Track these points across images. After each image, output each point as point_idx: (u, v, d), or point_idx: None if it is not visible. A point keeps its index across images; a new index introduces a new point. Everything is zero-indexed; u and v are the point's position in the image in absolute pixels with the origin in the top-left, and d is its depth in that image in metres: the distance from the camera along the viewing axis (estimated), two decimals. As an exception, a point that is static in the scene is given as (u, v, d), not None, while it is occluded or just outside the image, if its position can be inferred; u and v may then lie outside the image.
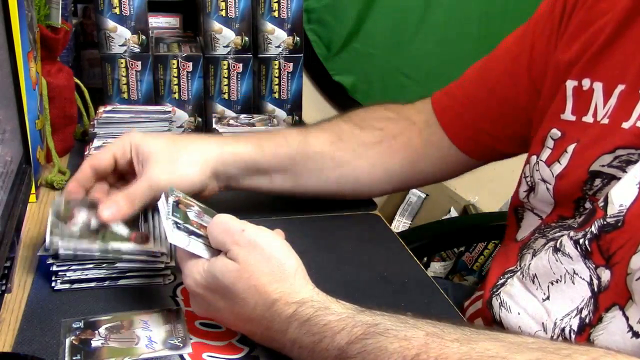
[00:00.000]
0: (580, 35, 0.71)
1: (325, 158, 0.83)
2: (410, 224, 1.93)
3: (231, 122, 1.11)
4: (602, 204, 0.62)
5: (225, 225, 0.59)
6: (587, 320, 0.62)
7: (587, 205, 0.67)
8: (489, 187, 2.11)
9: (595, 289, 0.62)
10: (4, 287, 0.64)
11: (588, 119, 0.68)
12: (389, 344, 0.48)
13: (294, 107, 1.20)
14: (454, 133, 0.85)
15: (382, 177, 0.87)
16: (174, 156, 0.73)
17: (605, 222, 0.61)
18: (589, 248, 0.62)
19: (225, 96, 1.17)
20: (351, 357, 0.49)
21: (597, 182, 0.66)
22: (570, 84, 0.71)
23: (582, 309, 0.63)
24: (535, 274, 0.67)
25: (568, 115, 0.70)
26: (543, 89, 0.76)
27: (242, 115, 1.16)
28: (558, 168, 0.70)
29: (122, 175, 0.76)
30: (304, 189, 0.85)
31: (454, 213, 1.96)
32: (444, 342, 0.47)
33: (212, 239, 0.59)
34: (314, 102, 1.88)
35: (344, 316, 0.52)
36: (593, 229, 0.62)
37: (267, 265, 0.56)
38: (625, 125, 0.64)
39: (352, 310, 0.54)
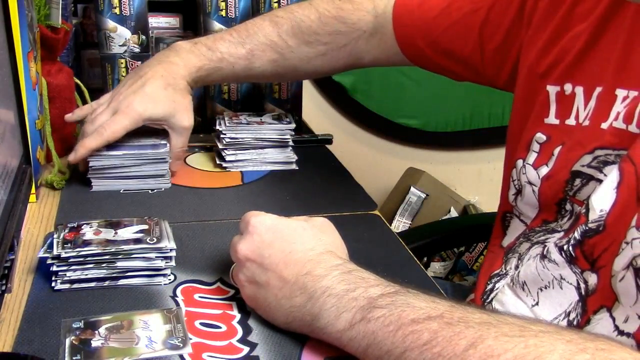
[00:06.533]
0: (558, 41, 0.73)
1: (267, 75, 1.00)
2: (410, 224, 1.93)
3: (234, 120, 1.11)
4: (584, 210, 0.63)
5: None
6: (574, 323, 0.63)
7: (568, 207, 0.69)
8: (489, 187, 2.11)
9: (583, 293, 0.63)
10: (4, 287, 0.64)
11: (571, 121, 0.70)
12: (418, 302, 0.52)
13: (294, 107, 1.20)
14: (405, 45, 0.93)
15: (322, 74, 1.05)
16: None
17: (587, 228, 0.62)
18: (573, 254, 0.64)
19: (225, 96, 1.17)
20: (379, 307, 0.52)
21: (577, 182, 0.67)
22: (553, 90, 0.72)
23: (569, 312, 0.64)
24: (525, 281, 0.69)
25: (552, 119, 0.72)
26: (489, 54, 0.83)
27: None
28: (545, 170, 0.71)
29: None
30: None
31: (454, 213, 1.96)
32: (466, 310, 0.50)
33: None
34: (314, 102, 1.88)
35: (380, 278, 0.57)
36: (576, 234, 0.63)
37: (332, 236, 0.64)
38: (604, 125, 0.66)
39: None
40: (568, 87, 0.71)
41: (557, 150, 0.70)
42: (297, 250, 0.60)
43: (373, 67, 1.12)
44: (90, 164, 0.90)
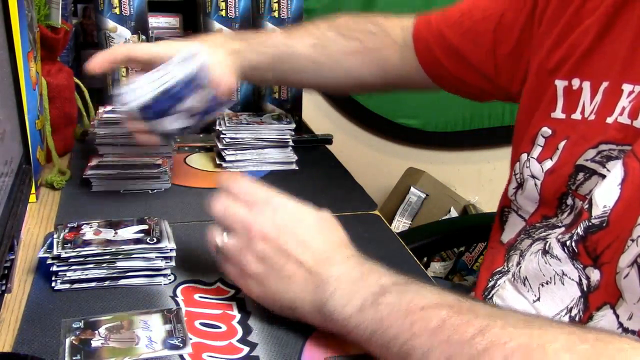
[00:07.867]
0: (568, 37, 0.73)
1: (307, 60, 0.95)
2: (410, 224, 1.93)
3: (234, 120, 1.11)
4: (586, 206, 0.63)
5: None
6: (576, 319, 0.63)
7: (569, 201, 0.69)
8: (489, 187, 2.11)
9: (585, 289, 0.63)
10: (4, 287, 0.64)
11: (577, 116, 0.70)
12: (427, 292, 0.54)
13: (294, 107, 1.20)
14: (423, 57, 0.92)
15: (354, 83, 0.99)
16: None
17: (590, 224, 0.62)
18: (575, 249, 0.64)
19: (225, 96, 1.17)
20: (390, 292, 0.54)
21: (580, 176, 0.67)
22: (561, 84, 0.72)
23: (571, 308, 0.64)
24: (526, 277, 0.69)
25: (558, 113, 0.72)
26: (501, 58, 0.83)
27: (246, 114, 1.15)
28: (549, 164, 0.71)
29: None
30: (287, 84, 1.12)
31: (454, 213, 1.96)
32: (474, 303, 0.52)
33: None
34: (314, 102, 1.88)
35: (393, 272, 0.58)
36: (579, 230, 0.63)
37: (342, 232, 0.65)
38: (609, 120, 0.66)
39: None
40: (575, 82, 0.71)
41: (561, 145, 0.70)
42: (315, 239, 0.61)
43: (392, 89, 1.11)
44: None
